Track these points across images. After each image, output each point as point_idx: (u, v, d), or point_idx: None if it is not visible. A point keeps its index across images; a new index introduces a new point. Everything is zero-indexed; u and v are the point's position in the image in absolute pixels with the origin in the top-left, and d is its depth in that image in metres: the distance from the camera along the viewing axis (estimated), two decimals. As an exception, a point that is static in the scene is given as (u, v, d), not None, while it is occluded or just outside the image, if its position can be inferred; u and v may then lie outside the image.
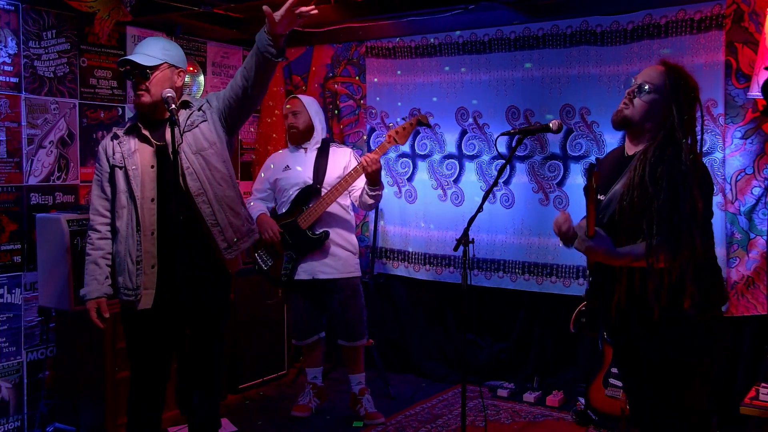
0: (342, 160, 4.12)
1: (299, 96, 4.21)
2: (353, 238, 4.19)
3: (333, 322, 4.21)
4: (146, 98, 2.87)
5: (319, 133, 4.17)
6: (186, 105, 3.00)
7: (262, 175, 4.25)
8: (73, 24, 4.08)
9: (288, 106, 4.16)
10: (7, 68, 3.79)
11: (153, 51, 2.88)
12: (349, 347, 4.15)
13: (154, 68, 2.86)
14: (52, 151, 4.01)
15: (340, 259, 4.07)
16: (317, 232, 4.01)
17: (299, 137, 4.14)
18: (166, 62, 2.90)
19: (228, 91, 2.96)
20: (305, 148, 4.14)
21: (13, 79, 3.82)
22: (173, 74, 2.93)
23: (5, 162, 3.80)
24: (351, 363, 4.19)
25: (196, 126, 2.96)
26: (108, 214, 2.97)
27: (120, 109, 4.35)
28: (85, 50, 4.15)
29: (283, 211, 4.12)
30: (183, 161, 2.87)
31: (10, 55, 3.80)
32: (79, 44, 4.12)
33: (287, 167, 4.13)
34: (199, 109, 2.99)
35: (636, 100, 2.42)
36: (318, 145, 4.15)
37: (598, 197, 2.49)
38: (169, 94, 2.79)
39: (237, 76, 2.90)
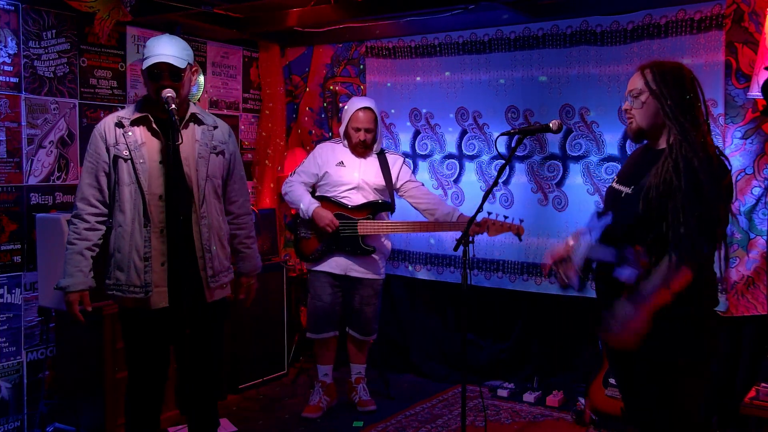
0: (395, 169, 4.23)
1: (373, 107, 4.15)
2: (389, 243, 4.33)
3: (349, 315, 4.29)
4: (177, 100, 2.83)
5: (380, 142, 4.27)
6: (198, 121, 2.96)
7: (315, 160, 4.23)
8: (73, 24, 4.08)
9: (361, 116, 4.10)
10: (7, 68, 3.79)
11: (179, 52, 2.84)
12: (359, 339, 4.29)
13: (184, 70, 2.84)
14: (52, 151, 4.01)
15: (374, 261, 4.19)
16: (369, 245, 4.13)
17: (366, 152, 4.19)
18: (188, 63, 2.89)
19: (224, 182, 3.07)
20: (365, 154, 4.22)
21: (13, 79, 3.82)
22: (191, 73, 2.93)
23: (5, 162, 3.80)
24: (356, 354, 4.34)
25: (218, 153, 2.98)
26: (98, 204, 2.88)
27: (120, 109, 4.34)
28: (85, 50, 4.15)
29: (343, 203, 4.13)
30: (199, 180, 2.90)
31: (10, 55, 3.80)
32: (79, 44, 4.12)
33: (341, 163, 4.16)
34: (214, 127, 2.99)
35: (633, 111, 2.46)
36: (377, 151, 4.23)
37: (620, 188, 2.50)
38: (168, 94, 2.77)
39: (234, 212, 3.13)
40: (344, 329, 4.35)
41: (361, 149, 4.17)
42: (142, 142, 2.86)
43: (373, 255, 4.16)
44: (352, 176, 4.13)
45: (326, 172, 4.17)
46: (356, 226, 4.08)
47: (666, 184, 2.30)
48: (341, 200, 4.13)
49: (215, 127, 3.01)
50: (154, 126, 2.87)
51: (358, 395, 4.31)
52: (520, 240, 4.10)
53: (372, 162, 4.20)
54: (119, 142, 2.85)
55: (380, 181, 4.17)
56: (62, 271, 2.90)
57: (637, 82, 2.45)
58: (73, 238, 2.87)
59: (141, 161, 2.83)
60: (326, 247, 4.14)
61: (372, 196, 4.16)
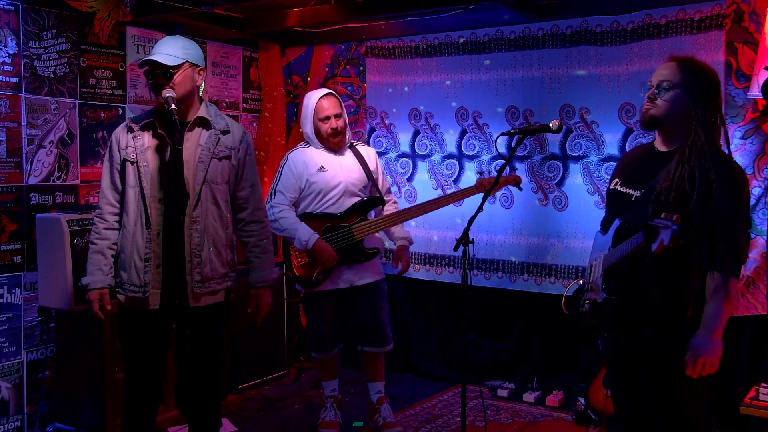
0: (372, 162, 3.99)
1: (333, 92, 3.90)
2: (382, 242, 4.10)
3: (363, 329, 3.93)
4: (172, 93, 2.81)
5: (349, 132, 3.97)
6: (206, 124, 2.94)
7: (292, 171, 3.83)
8: (73, 24, 4.08)
9: (326, 103, 3.81)
10: (7, 68, 3.79)
11: (174, 50, 2.85)
12: (376, 353, 3.94)
13: (177, 68, 2.84)
14: (52, 151, 4.01)
15: (374, 263, 3.91)
16: (371, 247, 3.85)
17: (341, 142, 3.86)
18: (187, 61, 2.87)
19: (236, 189, 3.04)
20: (335, 150, 3.88)
21: (13, 79, 3.82)
22: (194, 73, 2.92)
23: (5, 162, 3.80)
24: (373, 370, 3.97)
25: (222, 158, 2.95)
26: (117, 204, 2.95)
27: (120, 109, 4.35)
28: (85, 50, 4.15)
29: (331, 213, 3.82)
30: (195, 185, 2.88)
31: (10, 55, 3.80)
32: (79, 44, 4.12)
33: (322, 168, 3.81)
34: (224, 133, 2.97)
35: (659, 101, 2.38)
36: (348, 144, 3.95)
37: (626, 191, 2.48)
38: (169, 94, 2.77)
39: (243, 219, 3.08)
40: (347, 345, 4.17)
41: (335, 140, 3.83)
42: (148, 146, 2.90)
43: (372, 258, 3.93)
44: (338, 179, 3.81)
45: (307, 180, 3.80)
46: (351, 232, 3.79)
47: (679, 191, 2.28)
48: (328, 211, 3.81)
49: (225, 132, 2.98)
50: (159, 130, 2.91)
51: (382, 417, 3.93)
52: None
53: (349, 159, 3.90)
54: (128, 145, 2.91)
55: (363, 177, 3.89)
56: (86, 270, 2.96)
57: (671, 75, 2.38)
58: (94, 237, 2.96)
59: (145, 164, 2.88)
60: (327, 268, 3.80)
61: (359, 198, 3.88)
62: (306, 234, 3.71)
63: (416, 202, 4.82)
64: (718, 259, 2.22)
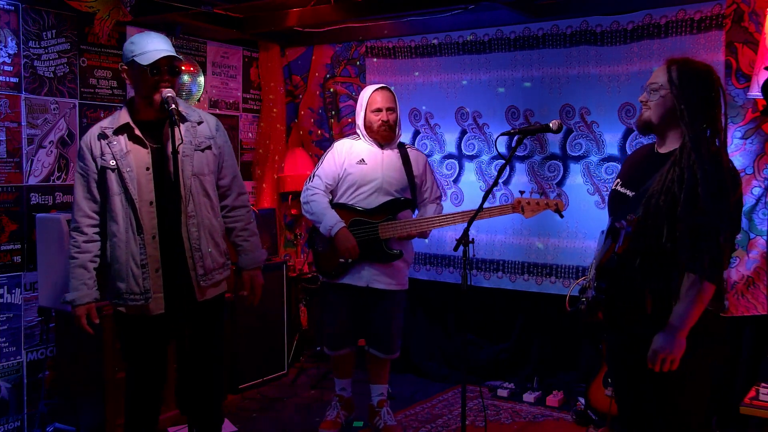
0: (418, 167, 3.90)
1: (388, 87, 3.88)
2: (412, 248, 3.95)
3: (371, 332, 3.91)
4: (172, 93, 2.81)
5: (400, 131, 3.93)
6: (180, 118, 2.88)
7: (334, 158, 3.84)
8: (73, 24, 4.08)
9: (379, 97, 3.80)
10: (7, 68, 3.79)
11: (170, 47, 2.84)
12: (382, 359, 3.91)
13: (183, 64, 2.85)
14: (52, 151, 4.01)
15: (399, 270, 3.84)
16: (393, 249, 3.77)
17: (390, 136, 3.83)
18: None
19: (218, 178, 3.03)
20: (382, 145, 3.84)
21: (13, 79, 3.82)
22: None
23: (5, 162, 3.80)
24: (377, 374, 3.97)
25: (204, 149, 2.94)
26: (95, 215, 2.87)
27: (116, 109, 4.34)
28: (85, 50, 4.15)
29: (361, 207, 3.78)
30: (184, 180, 2.86)
31: (10, 55, 3.80)
32: (79, 44, 4.12)
33: (362, 161, 3.80)
34: (199, 123, 2.95)
35: (651, 103, 2.40)
36: (396, 144, 3.89)
37: (625, 191, 2.48)
38: (169, 94, 2.76)
39: (228, 205, 3.07)
40: (357, 344, 4.05)
41: (385, 133, 3.80)
42: (128, 150, 2.83)
43: (398, 263, 3.80)
44: (375, 175, 3.77)
45: (345, 170, 3.79)
46: (377, 229, 3.72)
47: (669, 194, 2.28)
48: (359, 205, 3.77)
49: (200, 123, 2.97)
50: (136, 133, 2.85)
51: (383, 420, 3.91)
52: (561, 217, 3.75)
53: (393, 158, 3.83)
54: (105, 152, 2.83)
55: (403, 178, 3.82)
56: (68, 285, 2.90)
57: (659, 77, 2.39)
58: (74, 252, 2.87)
59: (128, 170, 2.81)
60: (348, 260, 3.76)
61: (393, 198, 3.81)
62: (332, 221, 3.71)
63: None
64: (697, 259, 2.22)
